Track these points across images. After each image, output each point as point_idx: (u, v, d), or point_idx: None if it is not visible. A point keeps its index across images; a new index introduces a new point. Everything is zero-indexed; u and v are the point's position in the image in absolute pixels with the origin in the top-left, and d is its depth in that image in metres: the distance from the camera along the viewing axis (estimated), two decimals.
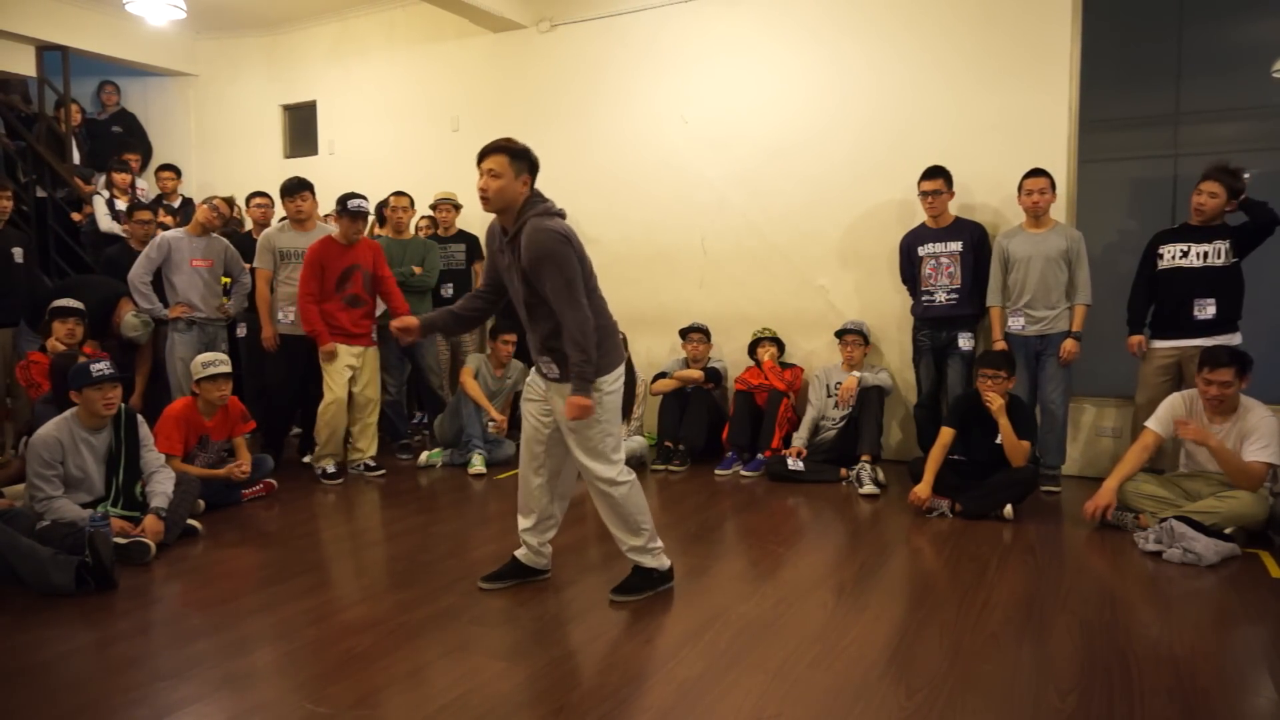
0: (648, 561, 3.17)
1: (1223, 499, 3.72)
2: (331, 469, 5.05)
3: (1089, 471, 5.06)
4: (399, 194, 5.91)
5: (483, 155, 2.97)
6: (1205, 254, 4.31)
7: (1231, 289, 4.29)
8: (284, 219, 5.60)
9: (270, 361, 5.34)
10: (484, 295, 3.27)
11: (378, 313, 5.68)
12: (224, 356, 4.60)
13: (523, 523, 3.30)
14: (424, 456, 5.54)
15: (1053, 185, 4.68)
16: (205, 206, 5.39)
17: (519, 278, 2.97)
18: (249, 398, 5.38)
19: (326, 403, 5.02)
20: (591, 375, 2.91)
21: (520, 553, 3.33)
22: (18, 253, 5.39)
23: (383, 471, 5.22)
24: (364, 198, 5.13)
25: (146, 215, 5.90)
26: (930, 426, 4.83)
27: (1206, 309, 4.30)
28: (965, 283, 4.94)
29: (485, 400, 5.48)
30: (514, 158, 2.96)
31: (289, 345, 5.21)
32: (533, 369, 3.20)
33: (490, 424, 5.50)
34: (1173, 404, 4.06)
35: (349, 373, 5.05)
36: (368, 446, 5.25)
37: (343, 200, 5.04)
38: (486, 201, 2.98)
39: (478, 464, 5.26)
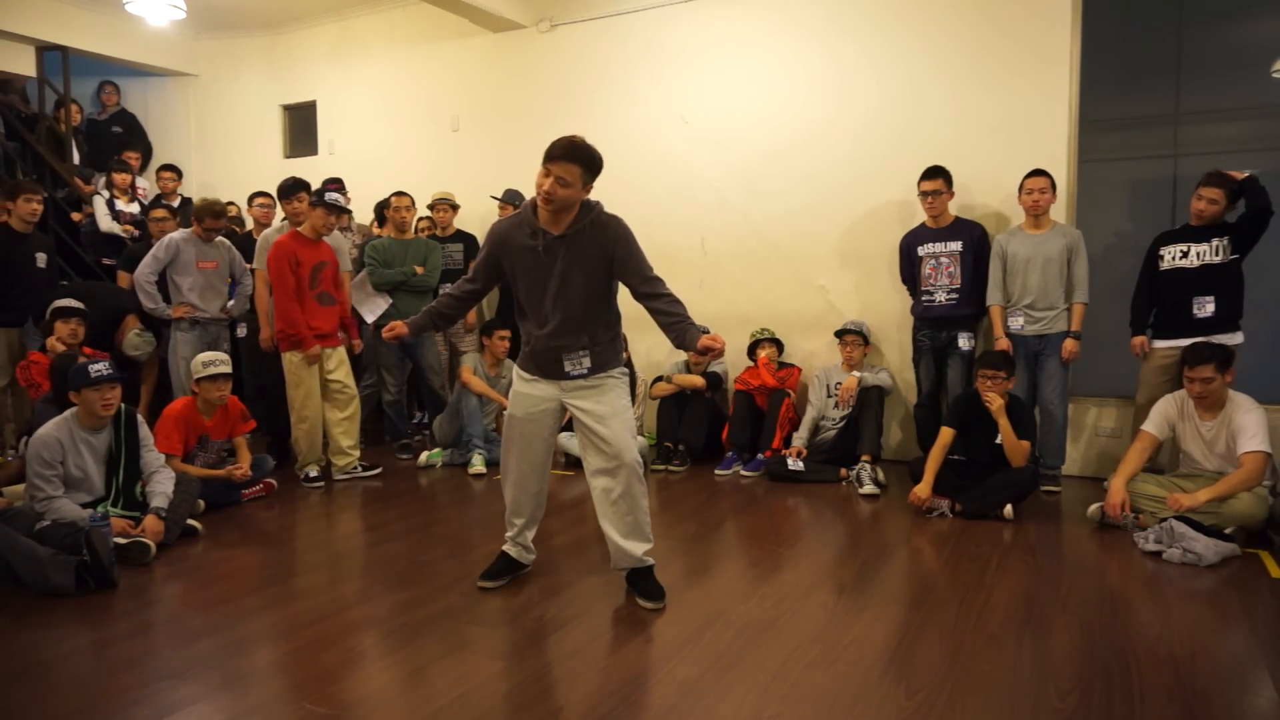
0: (649, 559, 3.17)
1: (1222, 499, 3.72)
2: (314, 473, 5.00)
3: (1088, 471, 5.06)
4: (400, 194, 5.91)
5: (554, 157, 2.82)
6: (1203, 253, 4.32)
7: (1230, 286, 4.29)
8: (284, 220, 5.60)
9: (269, 363, 5.31)
10: (469, 293, 3.19)
11: (380, 313, 5.69)
12: (224, 356, 4.59)
13: (517, 524, 3.33)
14: (424, 456, 5.54)
15: (1053, 185, 4.69)
16: (199, 229, 5.36)
17: (584, 273, 2.93)
18: (249, 398, 5.38)
19: (298, 415, 4.96)
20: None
21: (513, 551, 3.37)
22: (41, 258, 5.40)
23: (378, 470, 5.21)
24: (341, 188, 5.06)
25: (163, 213, 5.94)
26: (930, 426, 4.84)
27: (1205, 306, 4.31)
28: (965, 283, 4.94)
29: (492, 390, 5.48)
30: (586, 169, 2.86)
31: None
32: (529, 377, 3.14)
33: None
34: (1165, 406, 4.08)
35: (315, 385, 4.98)
36: (353, 447, 5.18)
37: (319, 191, 4.98)
38: (549, 203, 2.85)
39: (478, 464, 5.26)
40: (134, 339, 5.27)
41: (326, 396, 5.08)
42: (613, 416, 3.03)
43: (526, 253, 2.97)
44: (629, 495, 3.06)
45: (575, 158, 2.81)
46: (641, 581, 3.13)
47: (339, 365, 5.11)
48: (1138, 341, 4.55)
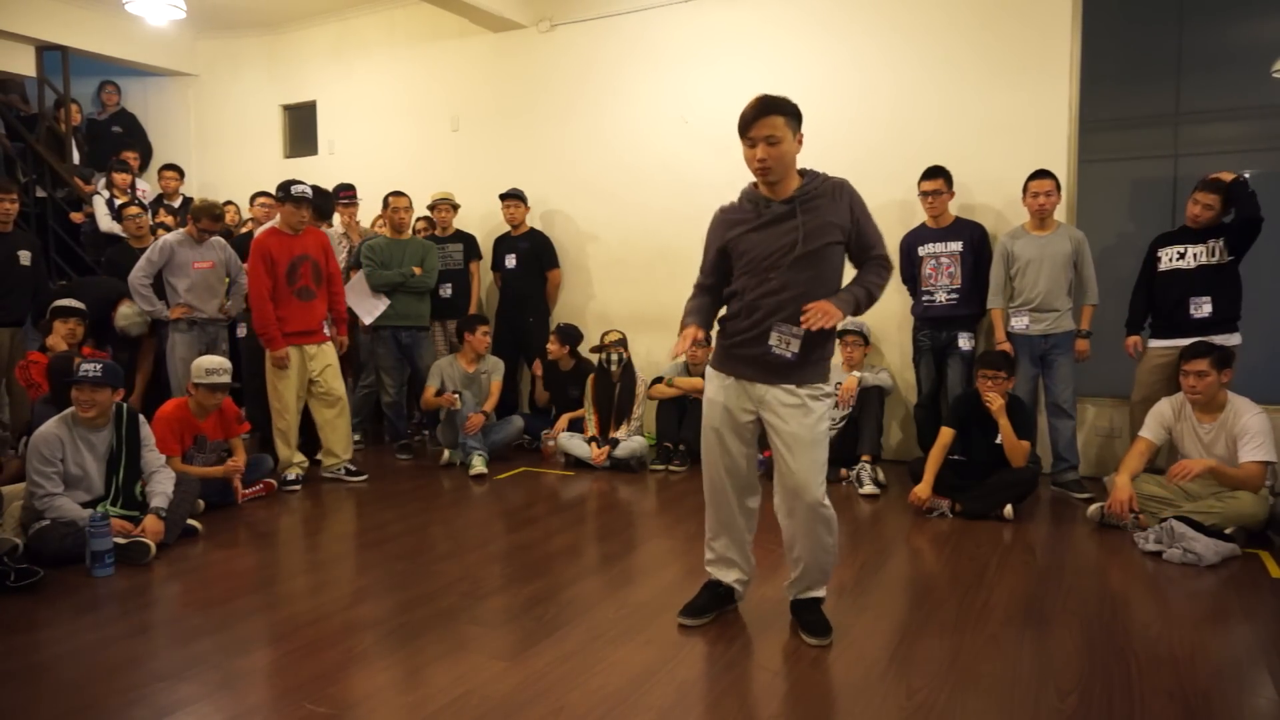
0: (819, 593, 2.88)
1: (1223, 499, 3.72)
2: (292, 476, 4.94)
3: (1088, 471, 5.05)
4: (399, 194, 5.91)
5: (750, 123, 2.61)
6: (1199, 254, 4.33)
7: (1227, 287, 4.30)
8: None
9: (253, 364, 5.16)
10: (715, 286, 2.86)
11: (378, 314, 5.66)
12: (228, 366, 4.55)
13: (716, 548, 2.95)
14: (446, 455, 5.55)
15: (1058, 187, 4.69)
16: (194, 229, 5.35)
17: (814, 240, 2.62)
18: (249, 397, 5.37)
19: (277, 412, 4.92)
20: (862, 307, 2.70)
21: (732, 579, 2.97)
22: (24, 255, 5.39)
23: (364, 476, 5.13)
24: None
25: (135, 210, 5.94)
26: (930, 426, 4.83)
27: (1202, 307, 4.32)
28: (965, 283, 4.94)
29: (444, 399, 5.48)
30: (788, 116, 2.60)
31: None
32: (725, 379, 2.75)
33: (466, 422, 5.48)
34: (1161, 408, 4.09)
35: (302, 378, 4.94)
36: (342, 450, 5.11)
37: (286, 185, 4.89)
38: (768, 172, 2.62)
39: (478, 465, 5.25)
40: (125, 311, 5.25)
41: (313, 396, 5.04)
42: (807, 447, 2.65)
43: (750, 225, 2.69)
44: (808, 537, 2.72)
45: (772, 110, 2.58)
46: (806, 613, 2.82)
47: (324, 367, 5.01)
48: (1131, 341, 4.56)
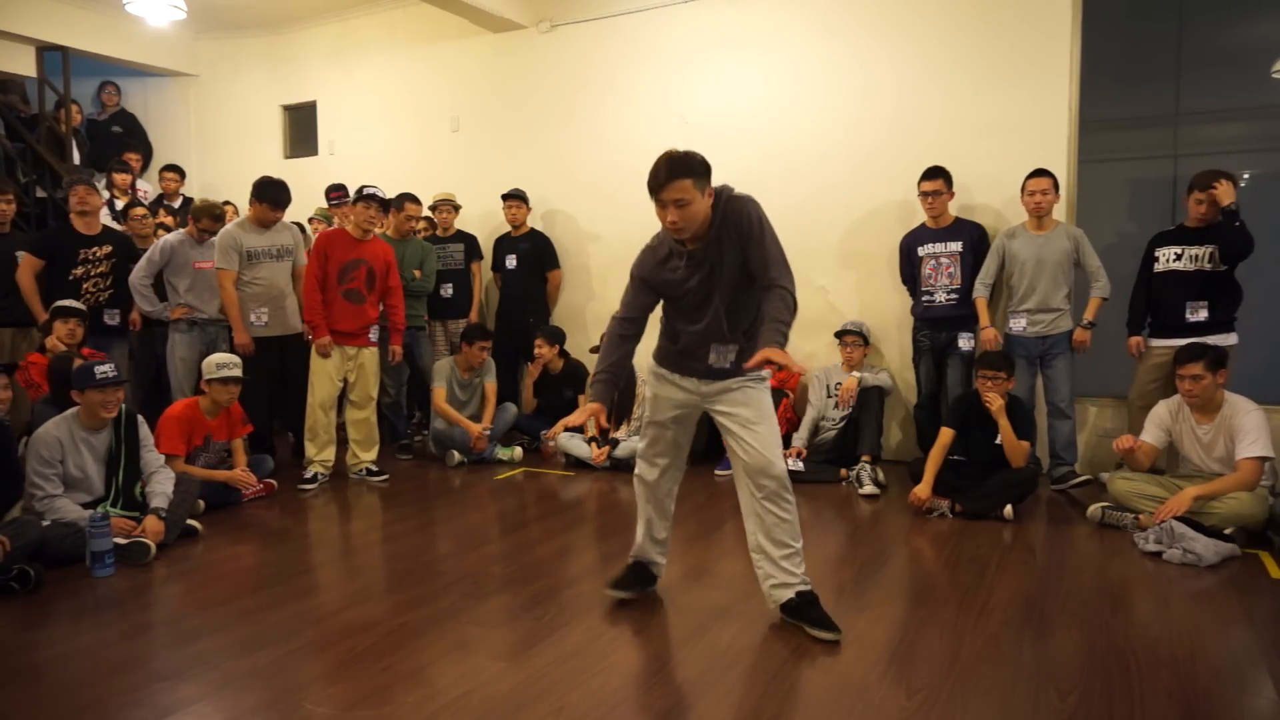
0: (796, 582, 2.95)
1: (1222, 499, 3.72)
2: (309, 474, 4.96)
3: (1085, 470, 5.05)
4: (414, 201, 5.88)
5: (660, 185, 2.60)
6: (1197, 257, 4.33)
7: (1224, 292, 4.30)
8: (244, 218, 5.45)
9: (259, 363, 5.12)
10: (636, 322, 2.95)
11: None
12: (237, 359, 4.60)
13: (662, 533, 3.21)
14: (457, 456, 5.55)
15: (1056, 186, 4.69)
16: (195, 229, 5.35)
17: (727, 274, 2.74)
18: (246, 398, 5.35)
19: (311, 407, 4.97)
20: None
21: (656, 563, 3.24)
22: (21, 256, 5.39)
23: (385, 477, 5.16)
24: (344, 193, 5.09)
25: (141, 211, 5.94)
26: (930, 427, 4.83)
27: (1198, 312, 4.32)
28: (965, 283, 4.94)
29: (463, 419, 5.58)
30: (696, 177, 2.61)
31: (261, 347, 5.10)
32: (668, 375, 2.97)
33: (475, 441, 5.55)
34: (1159, 410, 4.09)
35: (338, 377, 5.00)
36: (367, 452, 5.18)
37: (359, 189, 5.04)
38: (680, 232, 2.67)
39: (505, 454, 5.55)
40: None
41: (344, 395, 5.11)
42: (759, 422, 2.85)
43: (671, 277, 2.81)
44: (780, 515, 2.89)
45: (679, 173, 2.59)
46: (808, 610, 2.85)
47: (357, 368, 5.07)
48: (1134, 341, 4.56)
